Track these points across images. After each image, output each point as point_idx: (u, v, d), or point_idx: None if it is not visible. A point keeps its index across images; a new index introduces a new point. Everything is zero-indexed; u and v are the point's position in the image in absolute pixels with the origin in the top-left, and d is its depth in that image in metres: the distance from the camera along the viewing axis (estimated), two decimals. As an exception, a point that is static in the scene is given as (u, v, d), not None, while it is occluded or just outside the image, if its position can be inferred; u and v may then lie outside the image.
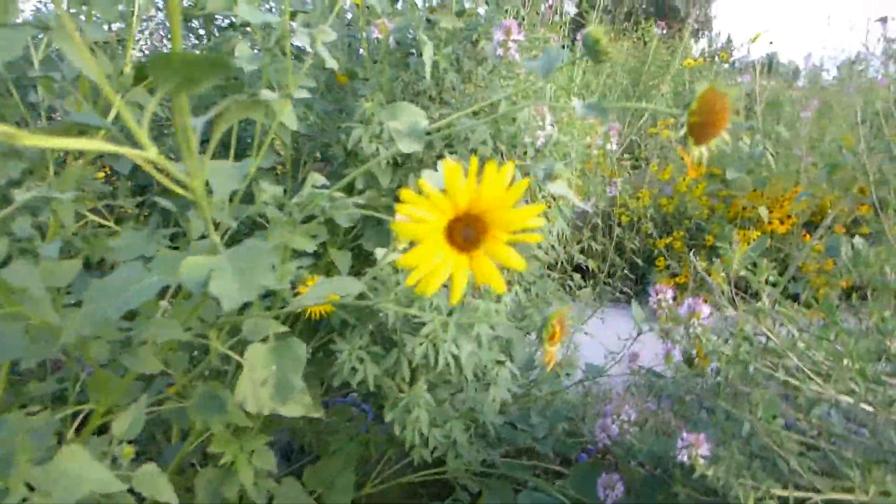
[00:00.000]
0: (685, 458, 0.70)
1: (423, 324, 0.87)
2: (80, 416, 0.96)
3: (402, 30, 0.93)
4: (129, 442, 1.50)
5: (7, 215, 0.72)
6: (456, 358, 0.88)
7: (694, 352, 1.06)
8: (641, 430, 1.03)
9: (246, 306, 0.86)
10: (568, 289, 1.70)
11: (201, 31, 1.32)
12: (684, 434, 0.73)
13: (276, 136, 1.06)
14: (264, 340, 0.75)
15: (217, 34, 1.17)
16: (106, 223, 1.13)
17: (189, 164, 0.44)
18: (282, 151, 1.13)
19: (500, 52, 0.86)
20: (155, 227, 1.20)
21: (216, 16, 1.20)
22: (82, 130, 0.56)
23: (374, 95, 0.93)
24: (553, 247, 1.45)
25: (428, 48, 0.84)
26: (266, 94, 0.53)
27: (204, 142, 1.01)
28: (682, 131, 0.44)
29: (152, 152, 0.39)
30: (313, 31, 0.68)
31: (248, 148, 1.20)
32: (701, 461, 0.70)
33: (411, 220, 0.37)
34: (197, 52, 1.13)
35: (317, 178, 0.75)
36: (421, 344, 0.84)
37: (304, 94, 0.78)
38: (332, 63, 0.70)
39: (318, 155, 1.26)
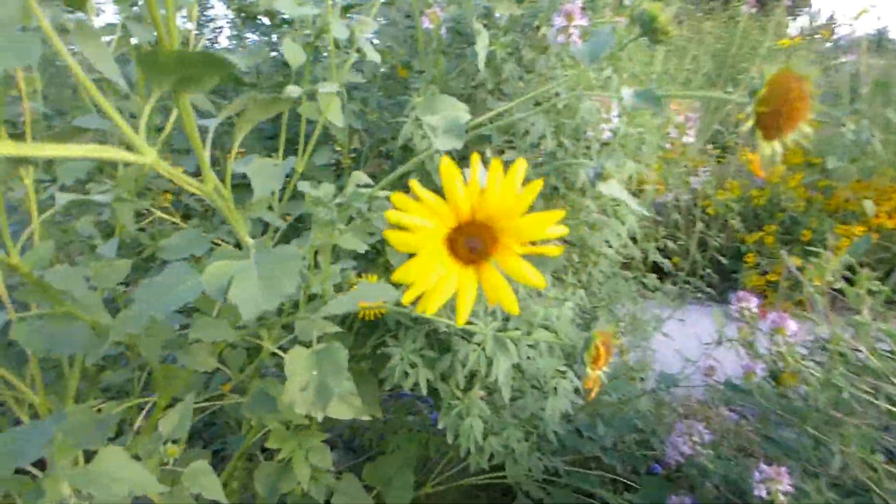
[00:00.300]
0: (763, 494, 0.62)
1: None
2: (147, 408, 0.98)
3: (457, 19, 0.88)
4: (192, 436, 1.54)
5: (56, 215, 0.74)
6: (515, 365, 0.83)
7: (781, 364, 0.96)
8: (717, 449, 0.94)
9: (296, 306, 0.85)
10: (643, 289, 1.60)
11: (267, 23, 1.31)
12: (763, 465, 0.64)
13: (335, 133, 1.04)
14: (308, 345, 0.73)
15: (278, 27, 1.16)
16: (174, 220, 1.15)
17: (202, 167, 0.41)
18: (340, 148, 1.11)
19: (560, 38, 0.79)
20: (220, 223, 1.22)
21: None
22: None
23: (426, 88, 0.89)
24: (626, 245, 1.36)
25: (481, 37, 0.78)
26: (292, 90, 0.50)
27: (271, 137, 0.98)
28: (749, 123, 0.36)
29: (150, 157, 0.36)
30: (352, 24, 0.64)
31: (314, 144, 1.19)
32: (781, 498, 0.62)
33: (407, 229, 0.33)
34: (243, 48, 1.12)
35: (360, 177, 0.71)
36: (473, 351, 0.80)
37: (357, 88, 0.76)
38: (373, 56, 0.67)
39: (380, 150, 1.23)
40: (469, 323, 0.85)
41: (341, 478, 1.24)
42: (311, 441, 1.06)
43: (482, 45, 0.80)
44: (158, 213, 1.15)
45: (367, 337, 1.17)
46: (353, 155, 1.26)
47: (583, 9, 0.78)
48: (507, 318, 0.88)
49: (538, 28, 0.89)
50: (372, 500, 1.21)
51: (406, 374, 0.87)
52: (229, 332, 0.79)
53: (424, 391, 0.86)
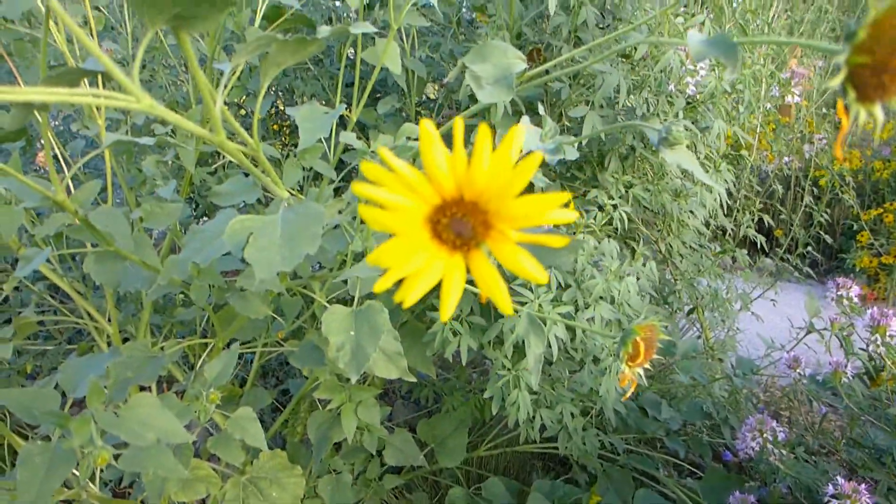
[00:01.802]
0: (835, 512, 0.54)
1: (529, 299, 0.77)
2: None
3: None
4: (265, 374, 1.57)
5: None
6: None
7: (880, 363, 0.84)
8: (794, 448, 0.85)
9: (343, 263, 0.83)
10: (733, 264, 1.47)
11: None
12: (839, 479, 0.56)
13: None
14: (348, 303, 0.71)
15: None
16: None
17: (211, 114, 0.38)
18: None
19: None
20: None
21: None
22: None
23: (497, 33, 0.82)
24: (715, 215, 1.24)
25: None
26: (323, 30, 0.45)
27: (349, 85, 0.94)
28: (840, 77, 0.27)
29: (144, 102, 0.33)
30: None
31: (388, 91, 1.15)
32: (856, 519, 0.54)
33: (382, 206, 0.28)
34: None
35: (411, 130, 0.67)
36: (519, 322, 0.75)
37: (432, 33, 0.70)
38: (428, -3, 0.61)
39: (452, 100, 1.17)
40: (517, 292, 0.79)
41: (395, 432, 1.24)
42: (362, 395, 1.06)
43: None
44: (229, 158, 1.15)
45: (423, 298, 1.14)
46: (429, 104, 1.21)
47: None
48: (563, 287, 0.82)
49: (625, -33, 0.79)
50: (423, 457, 1.21)
51: (448, 340, 0.83)
52: (275, 283, 0.78)
53: (464, 360, 0.83)
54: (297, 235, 0.48)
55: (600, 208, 0.87)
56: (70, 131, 1.04)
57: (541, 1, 0.87)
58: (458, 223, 0.28)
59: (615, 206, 0.89)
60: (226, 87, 0.42)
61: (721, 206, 1.13)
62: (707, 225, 1.37)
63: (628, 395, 0.49)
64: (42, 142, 0.95)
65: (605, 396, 0.92)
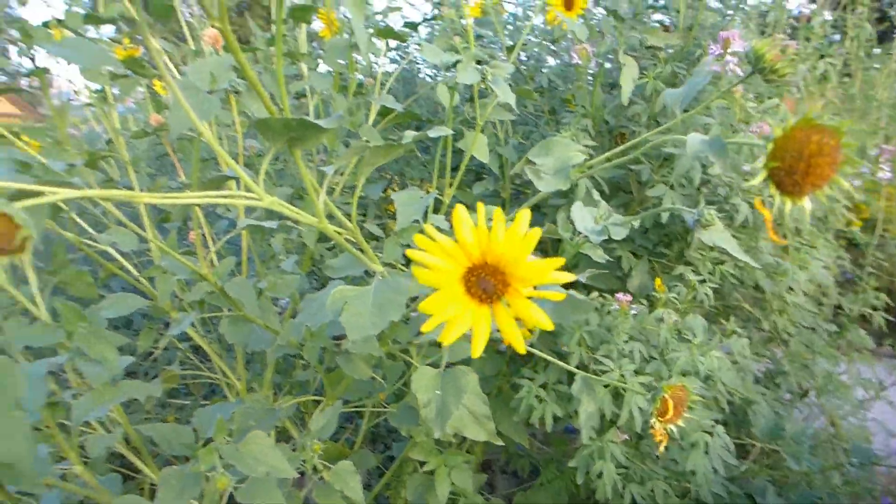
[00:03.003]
0: None
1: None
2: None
3: (608, 53, 0.88)
4: (373, 438, 1.66)
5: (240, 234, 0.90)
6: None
7: None
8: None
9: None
10: (850, 346, 1.38)
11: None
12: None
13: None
14: (436, 365, 0.78)
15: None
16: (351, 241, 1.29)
17: (313, 208, 0.49)
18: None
19: (714, 67, 0.75)
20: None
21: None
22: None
23: (580, 122, 0.90)
24: (824, 293, 1.19)
25: (627, 70, 0.77)
26: (407, 135, 0.55)
27: (436, 164, 1.06)
28: (760, 177, 0.32)
29: (266, 201, 0.44)
30: (485, 68, 0.69)
31: (486, 174, 1.25)
32: None
33: (427, 267, 0.36)
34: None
35: (492, 211, 0.75)
36: (601, 392, 0.78)
37: (525, 123, 0.80)
38: (507, 98, 0.70)
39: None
40: (601, 362, 0.82)
41: (490, 501, 1.27)
42: (455, 459, 1.10)
43: (627, 79, 0.79)
44: (344, 235, 1.29)
45: (519, 364, 1.19)
46: (523, 185, 1.30)
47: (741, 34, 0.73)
48: (647, 359, 0.84)
49: (700, 58, 0.85)
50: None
51: (534, 406, 0.87)
52: (376, 347, 0.87)
53: (548, 426, 0.86)
54: (386, 304, 0.57)
55: (686, 284, 0.89)
56: (216, 213, 1.23)
57: (618, 90, 0.94)
58: (484, 282, 0.35)
59: (703, 282, 0.90)
60: (335, 178, 0.53)
61: (837, 283, 1.10)
62: (819, 303, 1.31)
63: (661, 448, 0.51)
64: (191, 223, 1.14)
65: (698, 475, 0.91)
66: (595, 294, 0.88)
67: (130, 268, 1.09)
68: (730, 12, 0.87)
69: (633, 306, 0.81)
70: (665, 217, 0.86)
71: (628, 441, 0.94)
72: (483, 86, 0.76)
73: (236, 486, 0.66)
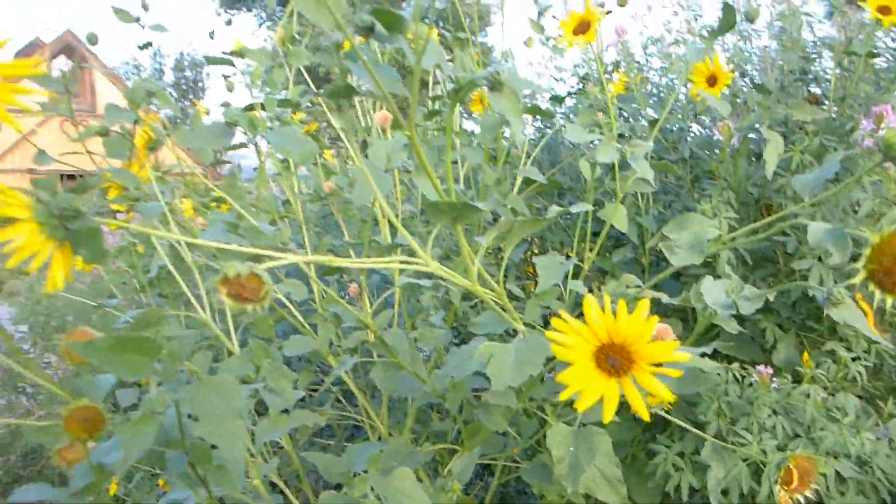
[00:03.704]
0: None
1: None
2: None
3: (750, 128, 0.89)
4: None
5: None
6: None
7: None
8: None
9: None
10: None
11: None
12: None
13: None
14: (570, 424, 0.82)
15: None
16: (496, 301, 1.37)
17: (468, 272, 0.57)
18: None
19: (868, 142, 0.74)
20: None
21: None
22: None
23: (721, 194, 0.91)
24: None
25: (770, 146, 0.79)
26: (552, 210, 0.62)
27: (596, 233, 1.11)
28: (860, 277, 0.35)
29: (433, 266, 0.53)
30: (625, 147, 0.74)
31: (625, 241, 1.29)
32: None
33: (563, 346, 0.41)
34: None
35: (630, 279, 0.79)
36: (735, 466, 0.77)
37: (666, 192, 0.84)
38: (645, 174, 0.75)
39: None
40: (740, 435, 0.81)
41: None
42: (586, 522, 1.11)
43: (773, 153, 0.80)
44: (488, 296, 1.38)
45: (654, 432, 1.18)
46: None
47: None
48: (790, 437, 0.81)
49: (852, 130, 0.83)
50: None
51: (670, 475, 0.87)
52: (513, 400, 0.93)
53: (684, 496, 0.85)
54: (525, 361, 0.63)
55: (835, 361, 0.86)
56: (373, 270, 1.38)
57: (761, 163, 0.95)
58: (612, 359, 0.41)
59: (855, 359, 0.86)
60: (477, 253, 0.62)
61: None
62: None
63: None
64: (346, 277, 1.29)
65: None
66: (736, 365, 0.88)
67: (297, 314, 1.25)
68: (884, 84, 0.85)
69: (776, 380, 0.79)
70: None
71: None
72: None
73: (384, 517, 0.74)
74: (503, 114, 0.46)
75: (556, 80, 1.58)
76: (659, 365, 0.41)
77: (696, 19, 1.24)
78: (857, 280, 0.38)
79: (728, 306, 0.56)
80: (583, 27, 0.80)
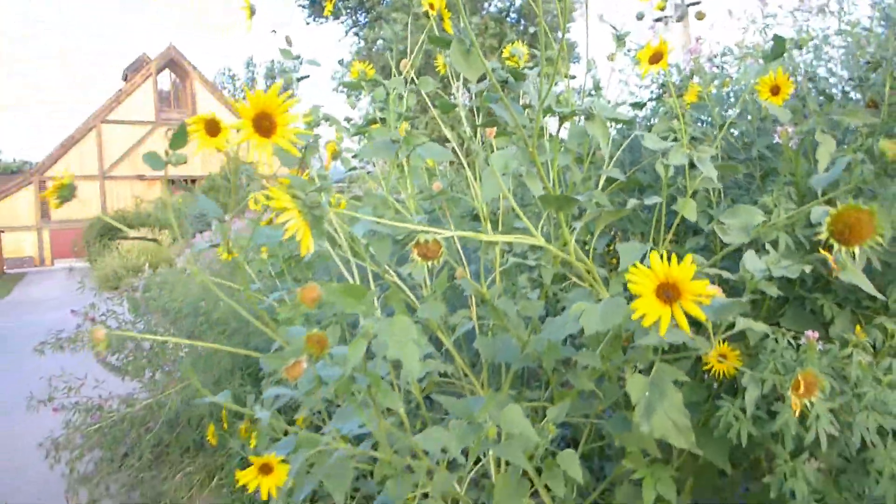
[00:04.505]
0: None
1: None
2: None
3: (809, 132, 1.04)
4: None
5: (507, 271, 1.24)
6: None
7: None
8: None
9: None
10: None
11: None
12: None
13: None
14: (646, 373, 1.01)
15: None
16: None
17: (568, 247, 0.78)
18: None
19: (905, 145, 0.88)
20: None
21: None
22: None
23: (780, 188, 1.07)
24: None
25: (822, 148, 0.94)
26: (630, 202, 0.82)
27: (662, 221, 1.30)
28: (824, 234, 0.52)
29: (542, 241, 0.74)
30: (692, 152, 0.92)
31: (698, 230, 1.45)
32: None
33: (635, 283, 0.62)
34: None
35: (696, 258, 0.96)
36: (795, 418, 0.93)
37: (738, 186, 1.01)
38: (710, 173, 0.93)
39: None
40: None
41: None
42: (661, 472, 1.29)
43: (825, 153, 0.96)
44: (573, 277, 1.57)
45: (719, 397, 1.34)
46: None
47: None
48: (837, 393, 0.96)
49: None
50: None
51: (730, 425, 1.04)
52: (597, 361, 1.13)
53: (744, 442, 1.02)
54: (609, 313, 0.84)
55: (883, 331, 1.00)
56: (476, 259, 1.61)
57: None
58: (667, 293, 0.61)
59: (903, 331, 1.00)
60: (576, 230, 0.82)
61: None
62: None
63: (796, 414, 0.68)
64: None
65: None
66: (791, 333, 1.04)
67: (409, 293, 1.49)
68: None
69: (823, 344, 0.95)
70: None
71: (822, 469, 1.05)
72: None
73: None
74: (595, 137, 0.67)
75: (638, 87, 1.75)
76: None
77: (765, 31, 1.38)
78: (822, 237, 0.56)
79: (763, 272, 0.74)
80: (656, 57, 0.98)
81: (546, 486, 1.22)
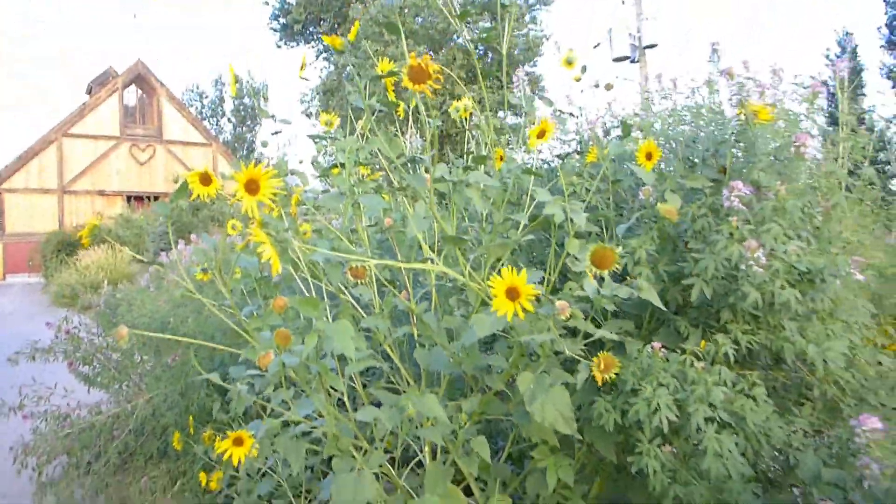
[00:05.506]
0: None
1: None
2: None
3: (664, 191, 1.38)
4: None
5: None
6: (670, 423, 1.23)
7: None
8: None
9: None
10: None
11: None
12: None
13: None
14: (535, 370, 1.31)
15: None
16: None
17: (465, 272, 1.08)
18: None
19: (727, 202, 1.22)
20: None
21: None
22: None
23: (647, 232, 1.40)
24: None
25: (670, 203, 1.27)
26: (514, 237, 1.13)
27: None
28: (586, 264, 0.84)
29: (443, 267, 1.04)
30: (565, 206, 1.24)
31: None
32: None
33: (494, 288, 0.92)
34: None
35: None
36: (644, 400, 1.24)
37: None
38: (580, 221, 1.24)
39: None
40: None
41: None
42: (562, 461, 1.59)
43: (670, 207, 1.29)
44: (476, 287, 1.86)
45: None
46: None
47: None
48: (679, 390, 1.28)
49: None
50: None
51: (602, 414, 1.35)
52: (503, 362, 1.43)
53: (609, 429, 1.32)
54: (495, 321, 1.13)
55: (716, 344, 1.33)
56: (417, 282, 1.90)
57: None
58: (511, 294, 0.91)
59: (735, 343, 1.33)
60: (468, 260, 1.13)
61: None
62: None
63: (600, 382, 0.99)
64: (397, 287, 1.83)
65: (732, 486, 1.29)
66: (657, 345, 1.35)
67: (360, 310, 1.77)
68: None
69: (664, 352, 1.27)
70: (696, 296, 1.31)
71: (677, 454, 1.36)
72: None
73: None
74: (473, 200, 0.97)
75: (561, 142, 2.08)
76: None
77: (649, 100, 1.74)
78: (585, 266, 0.88)
79: (595, 292, 1.05)
80: (541, 133, 1.30)
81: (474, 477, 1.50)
